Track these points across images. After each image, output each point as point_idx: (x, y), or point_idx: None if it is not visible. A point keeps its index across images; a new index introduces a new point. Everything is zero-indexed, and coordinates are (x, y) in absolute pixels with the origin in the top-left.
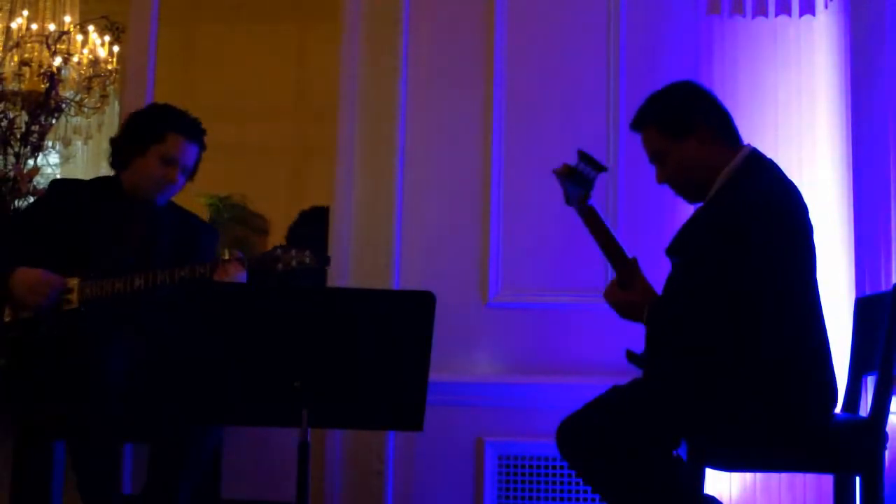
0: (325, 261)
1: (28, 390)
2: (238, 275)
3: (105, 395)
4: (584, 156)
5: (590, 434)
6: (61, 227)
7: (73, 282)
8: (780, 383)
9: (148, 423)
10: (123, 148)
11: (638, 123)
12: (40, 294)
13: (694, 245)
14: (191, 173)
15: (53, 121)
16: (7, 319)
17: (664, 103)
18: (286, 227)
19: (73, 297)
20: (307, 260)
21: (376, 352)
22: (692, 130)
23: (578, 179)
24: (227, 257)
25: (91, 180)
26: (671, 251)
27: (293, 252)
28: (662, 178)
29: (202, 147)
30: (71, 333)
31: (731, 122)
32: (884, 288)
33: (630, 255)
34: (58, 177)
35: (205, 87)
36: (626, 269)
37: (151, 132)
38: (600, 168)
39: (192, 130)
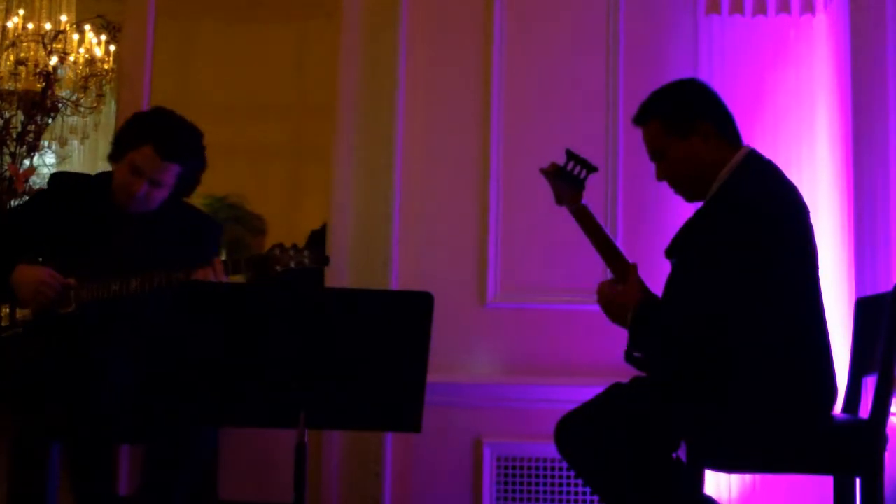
0: (324, 261)
1: (24, 392)
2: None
3: (101, 398)
4: (572, 155)
5: (589, 432)
6: (58, 224)
7: (71, 282)
8: (780, 384)
9: (144, 425)
10: (112, 148)
11: (641, 118)
12: (43, 294)
13: (691, 246)
14: (180, 188)
15: (50, 120)
16: (5, 323)
17: (669, 99)
18: (283, 227)
19: (70, 298)
20: (306, 261)
21: (374, 352)
22: (695, 128)
23: (567, 179)
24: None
25: (94, 176)
26: (669, 252)
27: (291, 252)
28: (662, 175)
29: (186, 165)
30: (67, 335)
31: (732, 121)
32: (884, 288)
33: (630, 257)
34: None
35: (202, 87)
36: (622, 271)
37: (132, 139)
38: (591, 168)
39: (169, 148)
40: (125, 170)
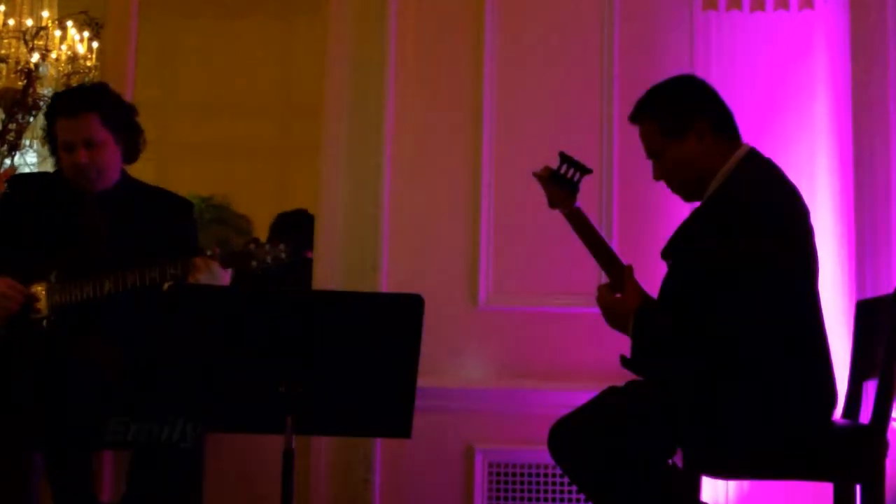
0: (302, 250)
1: (1, 400)
2: (220, 273)
3: (77, 405)
4: (565, 157)
5: (583, 438)
6: (26, 224)
7: (40, 288)
8: (779, 389)
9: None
10: (50, 154)
11: (637, 116)
12: (4, 308)
13: (688, 248)
14: (122, 140)
15: (31, 119)
16: None
17: (665, 98)
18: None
19: (42, 304)
20: (283, 255)
21: (363, 356)
22: (692, 128)
23: (561, 182)
24: (207, 255)
25: (52, 172)
26: (666, 254)
27: (267, 247)
28: (659, 175)
29: (101, 110)
30: (41, 343)
31: (731, 118)
32: (885, 290)
33: (625, 259)
34: None
35: (187, 85)
36: (618, 274)
37: (48, 129)
38: (585, 170)
39: (70, 104)
40: (62, 154)
